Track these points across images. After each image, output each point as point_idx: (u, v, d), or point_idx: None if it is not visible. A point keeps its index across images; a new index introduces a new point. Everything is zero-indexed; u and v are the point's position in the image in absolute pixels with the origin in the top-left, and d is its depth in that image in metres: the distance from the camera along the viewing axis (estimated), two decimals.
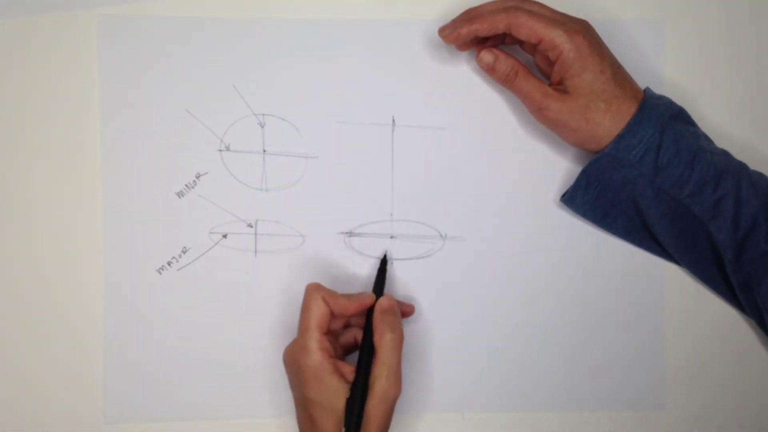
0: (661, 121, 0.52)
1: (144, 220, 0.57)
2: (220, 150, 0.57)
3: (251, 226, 0.57)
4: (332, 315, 0.51)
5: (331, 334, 0.52)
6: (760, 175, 0.54)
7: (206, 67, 0.57)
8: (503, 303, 0.58)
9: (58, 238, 0.57)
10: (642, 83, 0.54)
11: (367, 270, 0.57)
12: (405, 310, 0.56)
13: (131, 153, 0.57)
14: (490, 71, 0.55)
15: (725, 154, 0.54)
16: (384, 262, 0.56)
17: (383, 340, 0.50)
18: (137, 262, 0.57)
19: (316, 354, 0.49)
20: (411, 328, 0.57)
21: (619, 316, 0.58)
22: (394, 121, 0.58)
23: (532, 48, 0.54)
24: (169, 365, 0.57)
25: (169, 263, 0.57)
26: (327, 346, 0.50)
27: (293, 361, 0.50)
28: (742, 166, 0.53)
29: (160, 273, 0.57)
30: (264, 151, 0.57)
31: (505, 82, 0.55)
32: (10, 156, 0.57)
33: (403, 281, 0.57)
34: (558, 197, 0.57)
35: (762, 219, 0.52)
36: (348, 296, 0.52)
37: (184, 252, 0.57)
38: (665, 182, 0.52)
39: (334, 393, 0.49)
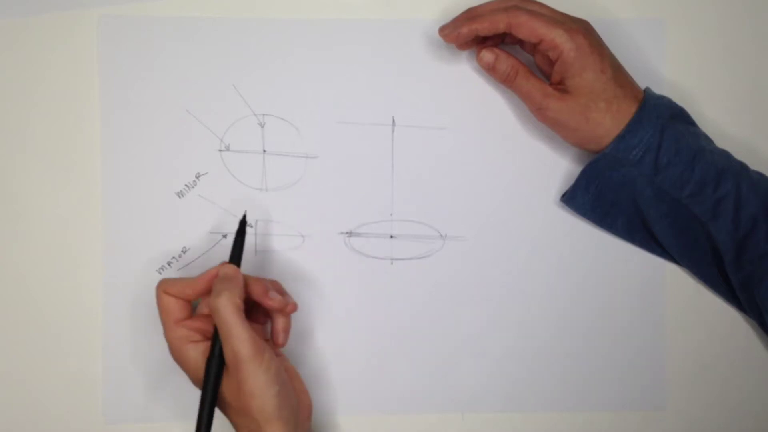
0: (662, 121, 0.52)
1: (144, 220, 0.57)
2: (220, 150, 0.57)
3: (251, 226, 0.57)
4: (182, 301, 0.51)
5: (201, 318, 0.51)
6: (761, 175, 0.54)
7: (206, 67, 0.57)
8: (503, 303, 0.58)
9: (58, 238, 0.57)
10: (642, 83, 0.54)
11: (366, 270, 0.57)
12: (267, 303, 0.51)
13: (131, 153, 0.57)
14: (490, 70, 0.55)
15: (725, 154, 0.54)
16: (243, 225, 0.53)
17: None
18: (137, 262, 0.57)
19: (172, 345, 0.50)
20: (411, 327, 0.57)
21: (619, 316, 0.58)
22: (394, 121, 0.58)
23: (533, 48, 0.54)
24: (169, 365, 0.57)
25: (169, 263, 0.57)
26: (183, 334, 0.50)
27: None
28: (742, 166, 0.54)
29: (160, 273, 0.57)
30: (264, 151, 0.57)
31: (505, 81, 0.55)
32: (10, 156, 0.57)
33: (403, 281, 0.57)
34: (558, 197, 0.57)
35: (762, 219, 0.52)
36: (197, 277, 0.51)
37: (184, 252, 0.57)
38: (665, 182, 0.52)
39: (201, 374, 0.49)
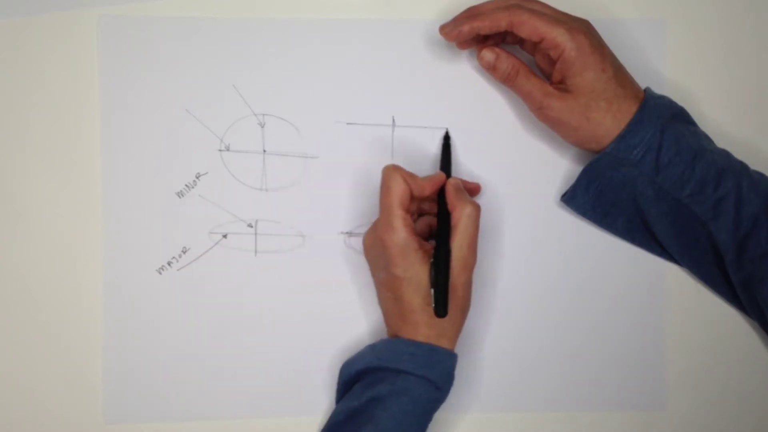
0: (662, 120, 0.52)
1: (144, 220, 0.57)
2: (220, 150, 0.57)
3: (251, 226, 0.57)
4: (411, 195, 0.52)
5: (410, 215, 0.53)
6: (761, 175, 0.54)
7: (206, 67, 0.57)
8: (503, 303, 0.58)
9: (58, 238, 0.57)
10: (642, 83, 0.54)
11: (366, 270, 0.57)
12: (472, 188, 0.57)
13: (131, 153, 0.57)
14: (491, 70, 0.55)
15: (726, 154, 0.54)
16: (447, 138, 0.57)
17: (463, 213, 0.52)
18: (137, 262, 0.57)
19: (402, 231, 0.51)
20: None
21: (619, 316, 0.58)
22: (394, 121, 0.58)
23: (533, 47, 0.54)
24: (169, 365, 0.57)
25: (169, 263, 0.57)
26: (410, 224, 0.52)
27: (378, 240, 0.52)
28: (742, 166, 0.54)
29: (160, 273, 0.57)
30: (264, 151, 0.57)
31: (506, 80, 0.55)
32: (9, 156, 0.57)
33: None
34: (558, 197, 0.57)
35: (763, 219, 0.52)
36: (423, 178, 0.53)
37: (184, 252, 0.57)
38: (666, 182, 0.52)
39: (420, 268, 0.51)
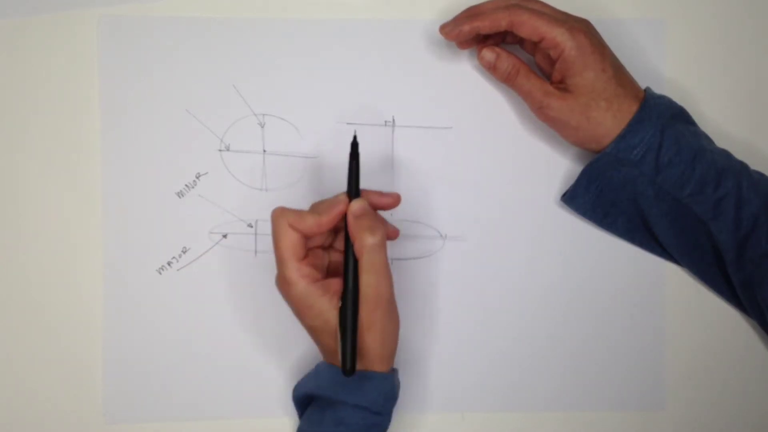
0: (662, 120, 0.52)
1: (144, 220, 0.57)
2: (220, 150, 0.57)
3: (251, 226, 0.57)
4: (306, 237, 0.49)
5: (314, 252, 0.51)
6: (761, 174, 0.54)
7: (206, 67, 0.57)
8: (503, 303, 0.58)
9: (58, 238, 0.57)
10: (642, 83, 0.54)
11: None
12: (385, 203, 0.52)
13: (131, 153, 0.57)
14: (491, 69, 0.55)
15: (726, 154, 0.54)
16: (354, 147, 0.51)
17: (364, 244, 0.48)
18: (137, 262, 0.57)
19: (299, 283, 0.48)
20: (411, 327, 0.57)
21: (619, 316, 0.58)
22: (394, 121, 0.58)
23: (533, 47, 0.54)
24: (169, 365, 0.57)
25: (169, 263, 0.57)
26: (308, 272, 0.48)
27: (284, 297, 0.50)
28: (742, 166, 0.54)
29: (160, 273, 0.57)
30: (264, 151, 0.57)
31: (506, 80, 0.55)
32: (10, 156, 0.57)
33: (404, 281, 0.57)
34: (559, 197, 0.57)
35: (763, 218, 0.52)
36: (318, 210, 0.49)
37: (184, 252, 0.57)
38: (666, 182, 0.52)
39: (329, 315, 0.48)
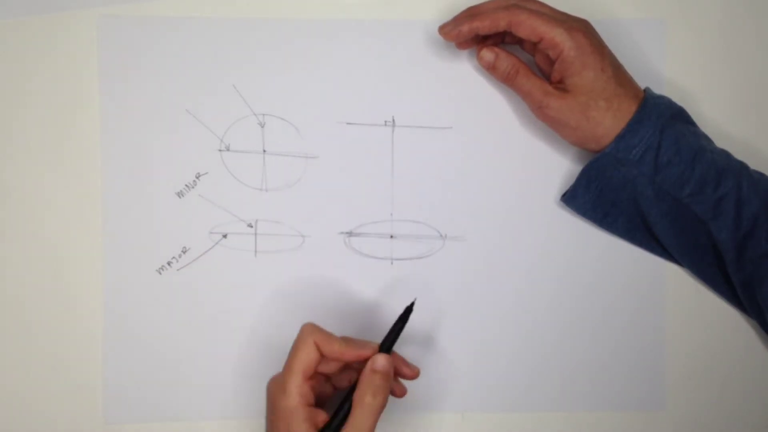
0: (662, 120, 0.52)
1: (144, 220, 0.57)
2: (220, 150, 0.57)
3: (251, 226, 0.57)
4: (323, 358, 0.48)
5: (319, 376, 0.50)
6: (761, 174, 0.54)
7: (206, 67, 0.57)
8: (503, 303, 0.58)
9: (58, 238, 0.57)
10: (642, 83, 0.54)
11: (366, 270, 0.57)
12: (405, 373, 0.52)
13: (131, 153, 0.57)
14: (490, 69, 0.55)
15: (725, 154, 0.54)
16: (408, 312, 0.52)
17: (362, 402, 0.47)
18: (137, 262, 0.57)
19: (293, 398, 0.47)
20: (411, 327, 0.57)
21: (619, 316, 0.58)
22: (394, 121, 0.58)
23: (533, 47, 0.54)
24: (169, 365, 0.57)
25: (169, 263, 0.57)
26: (306, 392, 0.47)
27: (270, 396, 0.48)
28: (742, 166, 0.54)
29: (160, 273, 0.57)
30: (264, 151, 0.57)
31: (505, 80, 0.55)
32: (9, 156, 0.57)
33: (403, 281, 0.57)
34: (558, 197, 0.57)
35: (763, 218, 0.52)
36: (348, 342, 0.49)
37: (184, 252, 0.57)
38: (666, 181, 0.52)
39: None
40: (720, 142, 0.55)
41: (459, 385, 0.57)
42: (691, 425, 0.58)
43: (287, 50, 0.57)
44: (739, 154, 0.54)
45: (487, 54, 0.54)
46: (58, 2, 0.57)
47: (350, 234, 0.58)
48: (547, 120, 0.54)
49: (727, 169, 0.52)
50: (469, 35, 0.53)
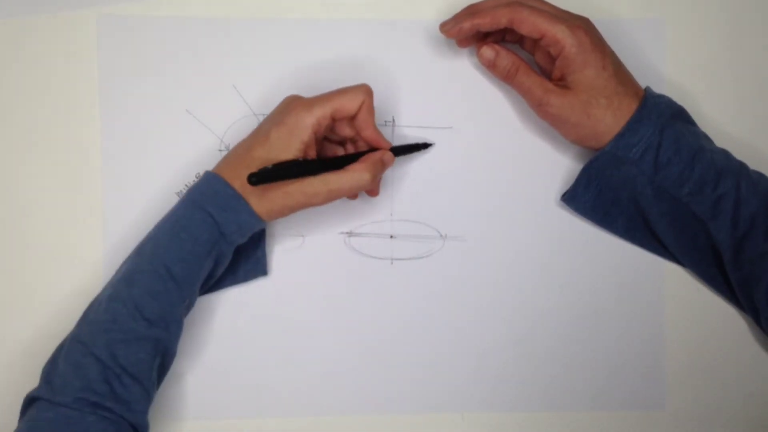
0: (662, 119, 0.52)
1: (144, 220, 0.57)
2: (220, 150, 0.57)
3: None
4: (348, 120, 0.53)
5: (325, 133, 0.53)
6: (760, 175, 0.54)
7: (206, 67, 0.57)
8: (502, 303, 0.58)
9: (58, 238, 0.57)
10: (642, 83, 0.54)
11: (366, 270, 0.57)
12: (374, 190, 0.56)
13: (131, 153, 0.57)
14: (491, 67, 0.55)
15: (725, 154, 0.54)
16: (425, 147, 0.57)
17: (354, 169, 0.51)
18: None
19: (310, 119, 0.51)
20: (411, 327, 0.57)
21: (619, 315, 0.58)
22: (394, 121, 0.58)
23: (533, 45, 0.54)
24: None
25: None
26: (322, 126, 0.51)
27: (286, 107, 0.52)
28: (742, 166, 0.54)
29: None
30: None
31: (506, 77, 0.55)
32: (10, 156, 0.57)
33: (403, 281, 0.57)
34: (559, 197, 0.57)
35: (761, 219, 0.52)
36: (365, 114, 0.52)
37: None
38: (665, 181, 0.52)
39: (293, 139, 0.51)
40: (720, 142, 0.55)
41: (459, 385, 0.57)
42: (691, 425, 0.58)
43: (287, 50, 0.57)
44: (739, 154, 0.54)
45: (488, 51, 0.54)
46: (58, 2, 0.57)
47: (350, 234, 0.58)
48: (548, 117, 0.54)
49: (727, 169, 0.52)
50: (470, 32, 0.53)
